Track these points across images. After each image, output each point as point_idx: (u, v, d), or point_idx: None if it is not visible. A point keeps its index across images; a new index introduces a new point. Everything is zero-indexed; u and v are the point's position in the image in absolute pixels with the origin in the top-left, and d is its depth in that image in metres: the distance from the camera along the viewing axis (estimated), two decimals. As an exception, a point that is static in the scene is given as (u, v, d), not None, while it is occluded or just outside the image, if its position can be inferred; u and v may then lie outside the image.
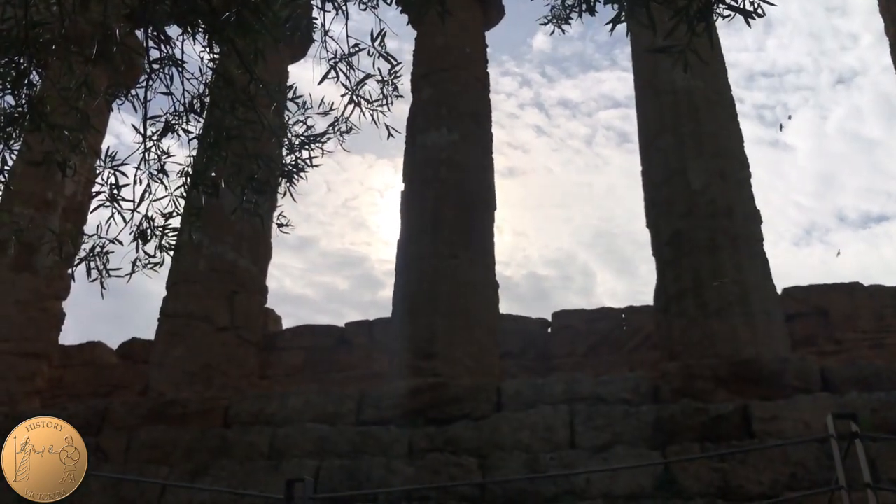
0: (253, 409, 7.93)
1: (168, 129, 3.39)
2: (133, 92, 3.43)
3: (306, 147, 3.56)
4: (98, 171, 3.35)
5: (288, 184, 3.65)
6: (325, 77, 3.28)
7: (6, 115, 3.11)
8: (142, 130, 3.37)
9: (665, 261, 8.05)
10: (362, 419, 7.61)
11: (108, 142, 11.77)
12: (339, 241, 38.96)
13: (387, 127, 3.73)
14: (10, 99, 3.12)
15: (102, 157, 3.33)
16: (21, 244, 9.41)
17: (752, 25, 2.20)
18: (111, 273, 3.45)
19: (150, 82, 3.26)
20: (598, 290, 36.73)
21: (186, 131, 3.45)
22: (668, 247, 8.00)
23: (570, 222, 39.04)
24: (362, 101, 3.43)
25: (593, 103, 40.69)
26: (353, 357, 11.46)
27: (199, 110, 3.39)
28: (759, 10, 2.21)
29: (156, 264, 3.54)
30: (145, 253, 3.48)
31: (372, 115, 3.47)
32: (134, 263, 3.48)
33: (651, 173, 8.59)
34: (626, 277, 36.91)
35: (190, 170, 3.58)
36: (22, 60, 2.90)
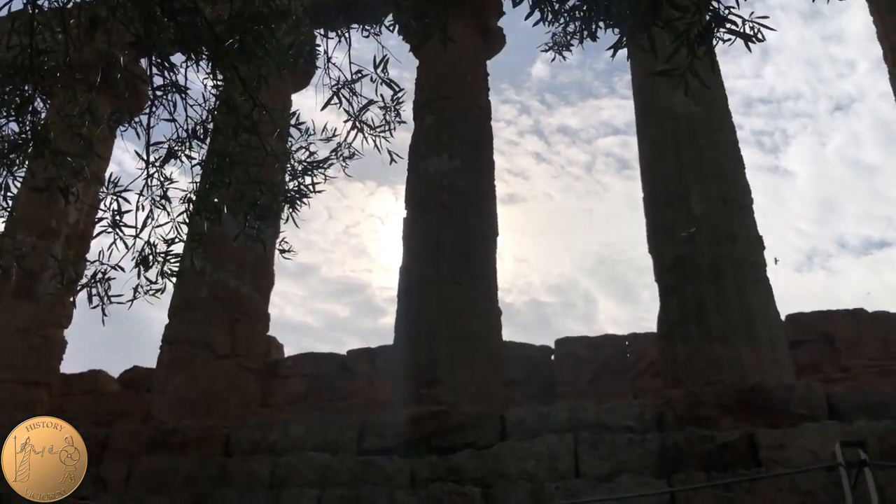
0: (254, 437, 7.87)
1: (171, 155, 3.41)
2: (136, 118, 3.45)
3: (309, 173, 3.57)
4: (101, 198, 3.36)
5: (291, 210, 3.65)
6: (328, 103, 3.29)
7: (10, 141, 3.12)
8: (145, 157, 3.38)
9: (668, 287, 8.02)
10: (364, 448, 7.54)
11: (110, 168, 11.83)
12: (339, 268, 38.98)
13: (389, 153, 3.74)
14: (14, 126, 3.15)
15: (105, 183, 3.34)
16: (23, 271, 9.40)
17: (751, 50, 2.21)
18: (112, 300, 3.44)
19: (154, 109, 3.28)
20: (599, 316, 36.63)
21: (189, 157, 3.46)
22: (671, 273, 7.97)
23: (572, 249, 39.08)
24: (365, 127, 3.45)
25: (592, 130, 40.95)
26: (356, 385, 11.41)
27: (202, 136, 3.41)
28: (759, 35, 2.22)
29: (157, 291, 3.53)
30: (147, 279, 3.48)
31: (374, 141, 3.48)
32: (135, 290, 3.47)
33: (652, 199, 8.59)
34: (628, 304, 36.84)
35: (192, 196, 3.59)
36: (27, 88, 2.92)
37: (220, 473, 7.50)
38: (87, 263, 3.58)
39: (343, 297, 39.16)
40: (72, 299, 10.36)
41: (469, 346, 8.13)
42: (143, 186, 3.43)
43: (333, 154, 3.57)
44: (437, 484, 6.84)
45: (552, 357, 11.30)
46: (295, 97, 11.32)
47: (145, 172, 3.38)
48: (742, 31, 2.20)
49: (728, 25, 2.19)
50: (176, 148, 3.39)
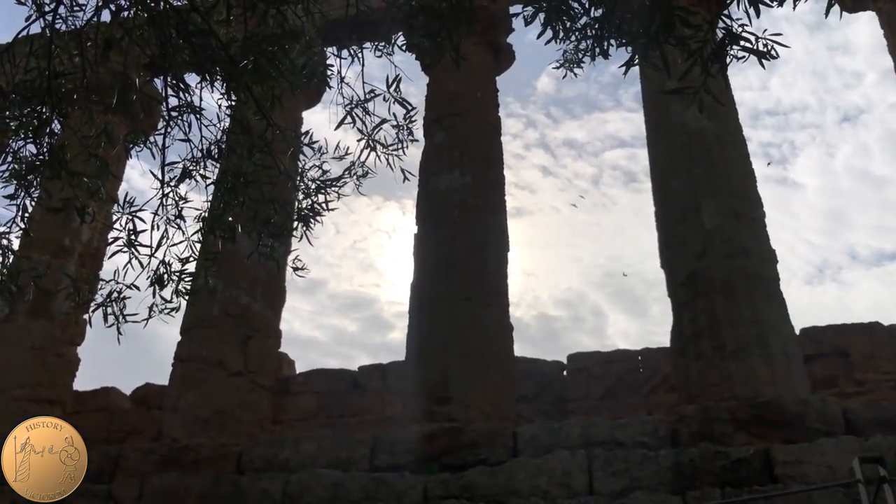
0: (266, 454, 7.86)
1: (185, 175, 3.44)
2: (151, 138, 3.49)
3: (322, 191, 3.59)
4: (115, 218, 3.40)
5: (305, 228, 3.67)
6: (341, 122, 3.32)
7: (27, 163, 3.17)
8: (160, 176, 3.42)
9: (680, 302, 7.99)
10: (376, 465, 7.52)
11: (122, 188, 11.92)
12: (347, 283, 38.98)
13: (402, 171, 3.77)
14: (31, 147, 3.20)
15: (120, 203, 3.37)
16: (38, 290, 9.47)
17: (764, 66, 2.22)
18: (128, 318, 3.46)
19: (169, 129, 3.32)
20: (609, 330, 36.44)
21: (203, 177, 3.49)
22: (684, 288, 7.95)
23: (580, 262, 38.93)
24: (378, 146, 3.47)
25: (599, 143, 40.94)
26: (367, 401, 11.36)
27: (216, 156, 3.44)
28: (773, 52, 2.23)
29: (172, 309, 3.55)
30: (162, 298, 3.50)
31: (387, 159, 3.51)
32: (151, 309, 3.49)
33: (664, 214, 8.58)
34: (637, 317, 36.62)
35: (206, 215, 3.61)
36: (44, 110, 2.96)
37: (233, 492, 7.48)
38: (102, 282, 3.61)
39: (351, 312, 39.13)
40: (85, 317, 10.45)
41: (481, 363, 8.11)
42: (159, 206, 3.47)
43: (347, 173, 3.60)
44: (450, 501, 6.81)
45: (564, 372, 11.22)
46: (306, 114, 11.40)
47: (160, 192, 3.42)
48: (755, 48, 2.21)
49: (742, 43, 2.20)
50: (190, 168, 3.42)
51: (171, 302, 3.50)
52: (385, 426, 9.64)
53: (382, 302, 38.77)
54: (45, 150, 3.05)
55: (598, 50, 2.44)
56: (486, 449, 7.30)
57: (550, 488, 6.77)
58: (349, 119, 3.40)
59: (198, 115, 3.28)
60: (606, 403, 10.75)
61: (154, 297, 3.43)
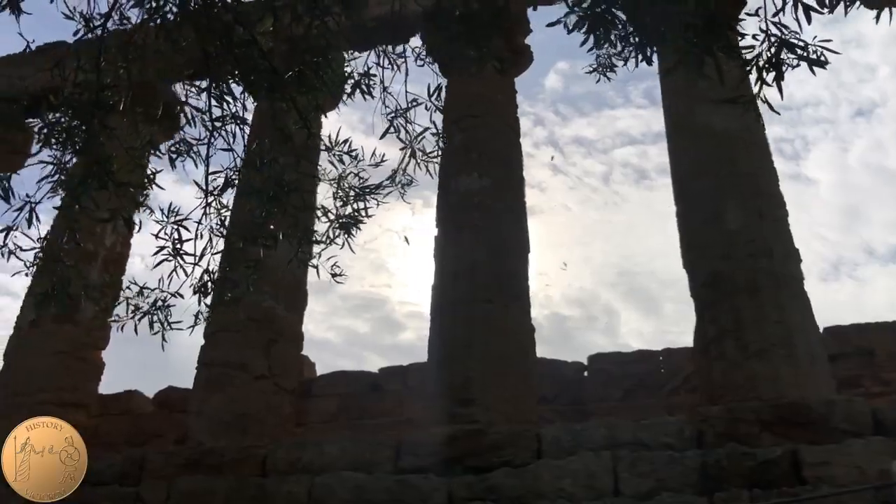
0: (290, 457, 7.90)
1: (228, 184, 3.48)
2: (195, 148, 3.54)
3: (361, 199, 3.62)
4: (161, 227, 3.44)
5: (346, 235, 3.70)
6: (385, 132, 3.36)
7: (78, 175, 3.22)
8: (203, 186, 3.46)
9: (704, 302, 7.98)
10: (400, 467, 7.54)
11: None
12: (358, 283, 39.01)
13: (429, 172, 3.80)
14: (79, 159, 3.24)
15: (165, 211, 3.42)
16: (67, 295, 9.57)
17: (815, 74, 2.23)
18: (172, 326, 3.51)
19: (213, 139, 3.36)
20: (622, 329, 36.32)
21: (245, 185, 3.52)
22: (707, 288, 7.93)
23: (591, 261, 38.84)
24: (418, 153, 3.51)
25: (609, 141, 40.85)
26: (387, 403, 11.39)
27: (257, 165, 3.48)
28: (823, 58, 2.23)
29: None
30: (206, 305, 3.54)
31: (426, 166, 3.54)
32: (196, 316, 3.54)
33: (687, 215, 8.56)
34: (650, 316, 36.49)
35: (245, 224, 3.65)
36: (94, 122, 3.01)
37: (259, 494, 7.53)
38: (148, 290, 3.65)
39: (363, 313, 39.23)
40: (109, 321, 10.54)
41: (503, 365, 8.13)
42: (202, 215, 3.51)
43: (390, 181, 3.63)
44: (475, 503, 6.82)
45: (584, 373, 11.22)
46: (331, 115, 11.43)
47: (204, 201, 3.46)
48: (807, 55, 2.21)
49: (799, 52, 2.20)
50: (233, 177, 3.46)
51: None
52: (406, 428, 9.66)
53: (394, 302, 38.86)
54: (93, 161, 3.10)
55: (640, 56, 2.45)
56: (510, 451, 7.30)
57: (576, 490, 6.77)
58: (388, 128, 3.44)
59: (241, 126, 3.33)
60: (626, 404, 10.73)
61: (199, 304, 3.48)
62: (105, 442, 11.86)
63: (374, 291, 39.00)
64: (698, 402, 8.25)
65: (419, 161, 3.55)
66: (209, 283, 3.52)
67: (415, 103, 3.42)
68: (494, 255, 8.71)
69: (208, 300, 3.54)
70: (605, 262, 38.99)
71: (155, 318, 3.52)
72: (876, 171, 35.17)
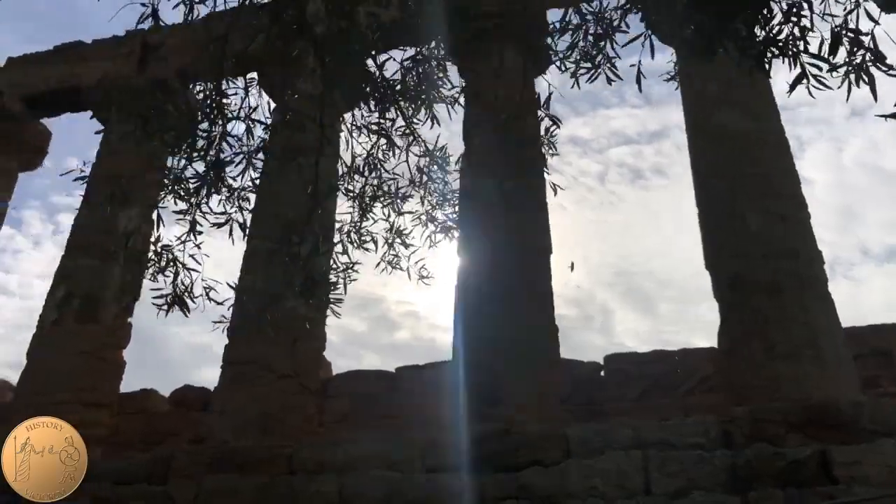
0: (317, 456, 7.93)
1: (332, 189, 3.53)
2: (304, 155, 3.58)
3: (450, 203, 3.68)
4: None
5: (445, 236, 3.74)
6: (505, 134, 3.39)
7: (197, 181, 3.26)
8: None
9: (728, 304, 8.05)
10: (428, 466, 7.59)
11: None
12: (355, 282, 38.86)
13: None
14: (198, 165, 3.29)
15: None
16: (87, 295, 9.62)
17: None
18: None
19: (322, 147, 3.41)
20: (617, 328, 36.42)
21: (349, 191, 3.58)
22: (731, 289, 8.01)
23: (588, 261, 38.90)
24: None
25: (604, 140, 40.94)
26: (405, 403, 11.44)
27: (362, 171, 3.54)
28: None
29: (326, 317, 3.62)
30: (311, 304, 3.58)
31: None
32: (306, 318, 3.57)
33: (708, 216, 8.63)
34: (647, 316, 36.60)
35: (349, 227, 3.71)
36: (213, 129, 3.06)
37: (288, 493, 7.57)
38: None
39: (360, 312, 39.25)
40: (129, 320, 10.57)
41: (529, 364, 8.18)
42: (310, 219, 3.55)
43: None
44: (508, 502, 6.88)
45: (601, 373, 11.30)
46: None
47: (312, 205, 3.50)
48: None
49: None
50: (340, 182, 3.51)
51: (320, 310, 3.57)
52: (424, 428, 9.69)
53: (389, 301, 38.87)
54: (210, 167, 3.16)
55: (709, 49, 2.49)
56: (539, 450, 7.35)
57: (607, 489, 6.84)
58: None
59: (351, 135, 3.38)
60: (642, 404, 10.81)
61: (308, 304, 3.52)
62: (121, 441, 11.89)
63: (370, 290, 39.02)
64: (722, 403, 8.33)
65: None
66: (312, 285, 3.57)
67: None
68: (519, 255, 8.76)
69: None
70: (602, 262, 39.11)
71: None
72: (871, 171, 35.38)
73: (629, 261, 38.71)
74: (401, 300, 38.18)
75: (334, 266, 3.71)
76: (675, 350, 11.11)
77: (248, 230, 3.79)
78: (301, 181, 3.69)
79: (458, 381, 8.44)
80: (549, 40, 10.99)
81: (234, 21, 3.11)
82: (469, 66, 10.25)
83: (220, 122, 3.06)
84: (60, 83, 12.17)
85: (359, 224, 3.64)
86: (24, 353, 9.72)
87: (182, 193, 3.30)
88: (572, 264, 5.66)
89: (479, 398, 8.01)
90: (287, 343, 8.90)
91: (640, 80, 3.79)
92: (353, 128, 3.37)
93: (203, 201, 3.38)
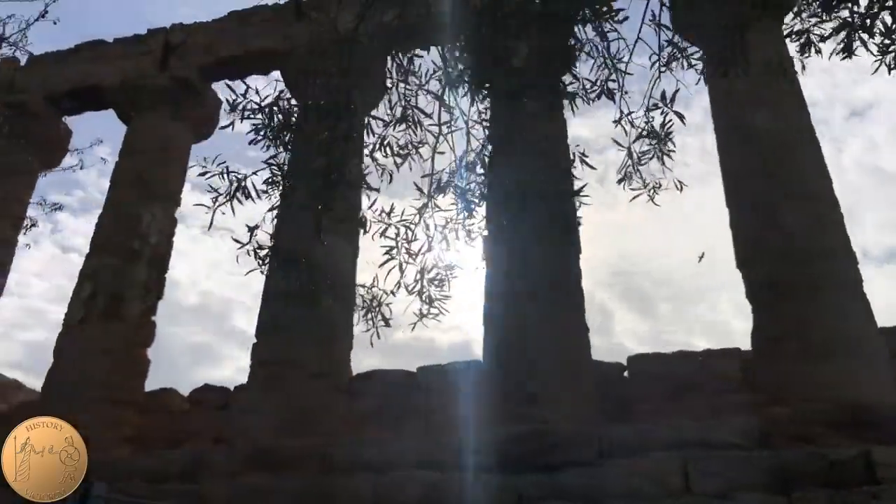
0: (352, 455, 7.91)
1: (441, 188, 3.51)
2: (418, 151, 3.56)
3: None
4: (384, 227, 3.46)
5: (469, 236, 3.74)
6: (639, 137, 3.40)
7: (322, 177, 3.24)
8: (424, 189, 3.49)
9: (761, 304, 8.05)
10: (464, 465, 7.56)
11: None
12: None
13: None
14: (322, 161, 3.27)
15: (388, 213, 3.44)
16: (111, 294, 9.59)
17: None
18: (389, 323, 3.54)
19: (438, 143, 3.40)
20: (616, 328, 36.38)
21: (461, 189, 3.57)
22: (765, 290, 8.00)
23: (587, 261, 38.86)
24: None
25: (603, 140, 40.94)
26: (427, 402, 11.39)
27: (473, 167, 3.53)
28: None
29: (435, 315, 3.62)
30: (425, 303, 3.57)
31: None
32: (421, 314, 3.56)
33: (740, 217, 8.63)
34: (646, 317, 36.58)
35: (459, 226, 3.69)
36: (340, 128, 3.04)
37: (323, 492, 7.54)
38: (361, 288, 3.66)
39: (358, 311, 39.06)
40: (153, 318, 10.54)
41: (562, 363, 8.16)
42: (420, 217, 3.54)
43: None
44: (549, 502, 6.85)
45: (625, 374, 11.28)
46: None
47: (425, 203, 3.48)
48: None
49: None
50: (448, 180, 3.50)
51: (431, 309, 3.57)
52: (448, 427, 9.67)
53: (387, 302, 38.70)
54: (334, 164, 3.14)
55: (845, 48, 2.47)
56: (576, 450, 7.33)
57: (647, 489, 6.81)
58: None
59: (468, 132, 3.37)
60: (669, 405, 10.77)
61: (421, 303, 3.51)
62: (145, 439, 11.84)
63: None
64: (752, 403, 8.32)
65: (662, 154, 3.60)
66: (423, 284, 3.55)
67: (655, 106, 3.47)
68: (550, 254, 8.73)
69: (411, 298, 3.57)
70: (600, 262, 39.10)
71: (378, 315, 3.54)
72: (870, 173, 35.39)
73: (628, 261, 38.69)
74: (398, 300, 38.05)
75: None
76: (698, 351, 11.08)
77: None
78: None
79: (490, 380, 8.42)
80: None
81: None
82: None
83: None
84: (81, 82, 12.15)
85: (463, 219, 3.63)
86: (25, 352, 9.72)
87: (309, 189, 3.28)
88: (702, 254, 5.64)
89: (512, 397, 7.99)
90: (318, 342, 8.89)
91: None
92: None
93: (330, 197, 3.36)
